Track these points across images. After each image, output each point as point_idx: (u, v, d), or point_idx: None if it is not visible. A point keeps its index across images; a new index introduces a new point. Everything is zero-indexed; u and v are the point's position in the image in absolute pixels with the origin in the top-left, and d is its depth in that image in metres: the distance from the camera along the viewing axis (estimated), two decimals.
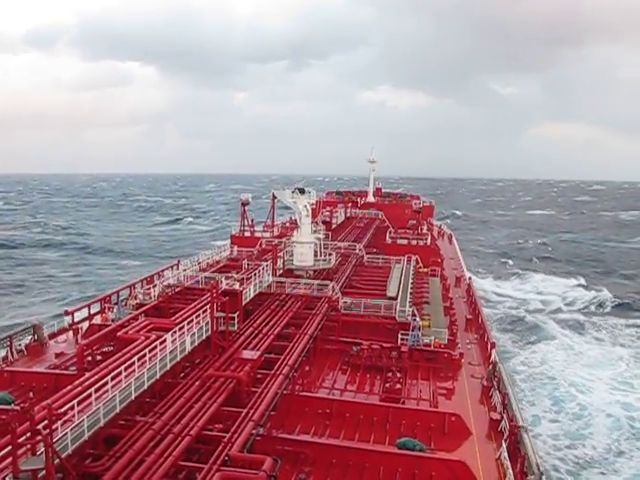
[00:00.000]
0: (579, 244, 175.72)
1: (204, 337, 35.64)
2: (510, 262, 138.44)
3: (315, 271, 56.19)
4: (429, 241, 76.92)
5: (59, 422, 22.39)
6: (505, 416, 32.39)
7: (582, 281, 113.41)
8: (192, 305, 39.73)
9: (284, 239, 67.05)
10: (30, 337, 42.53)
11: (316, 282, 49.62)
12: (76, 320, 47.32)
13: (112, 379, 26.83)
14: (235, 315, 38.46)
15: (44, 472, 19.92)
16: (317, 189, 65.88)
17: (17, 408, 21.75)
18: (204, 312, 36.59)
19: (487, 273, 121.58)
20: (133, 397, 27.35)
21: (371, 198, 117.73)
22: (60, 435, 22.15)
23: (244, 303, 41.83)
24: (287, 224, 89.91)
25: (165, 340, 31.76)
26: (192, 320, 35.25)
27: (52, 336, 44.72)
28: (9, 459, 20.05)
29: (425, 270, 66.23)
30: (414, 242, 75.28)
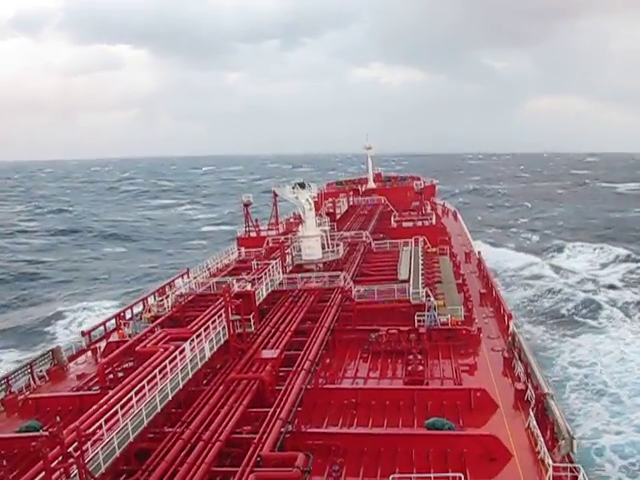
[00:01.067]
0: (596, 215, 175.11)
1: (222, 342, 35.76)
2: (535, 237, 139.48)
3: (325, 263, 56.18)
4: (434, 220, 76.67)
5: (89, 443, 22.53)
6: (530, 385, 32.38)
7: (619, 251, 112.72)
8: (207, 311, 39.84)
9: (290, 235, 67.08)
10: (50, 362, 42.70)
11: (327, 274, 49.63)
12: (93, 339, 47.48)
13: (136, 394, 26.97)
14: (250, 316, 38.53)
15: None
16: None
17: (46, 434, 21.90)
18: (219, 317, 36.69)
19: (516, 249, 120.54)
20: (159, 409, 27.49)
21: (372, 184, 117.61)
22: (91, 455, 22.32)
23: (258, 303, 41.87)
24: (291, 220, 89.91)
25: (184, 349, 31.85)
26: (208, 326, 35.35)
27: (71, 358, 44.85)
28: None
29: (434, 250, 66.13)
30: (419, 223, 75.00)
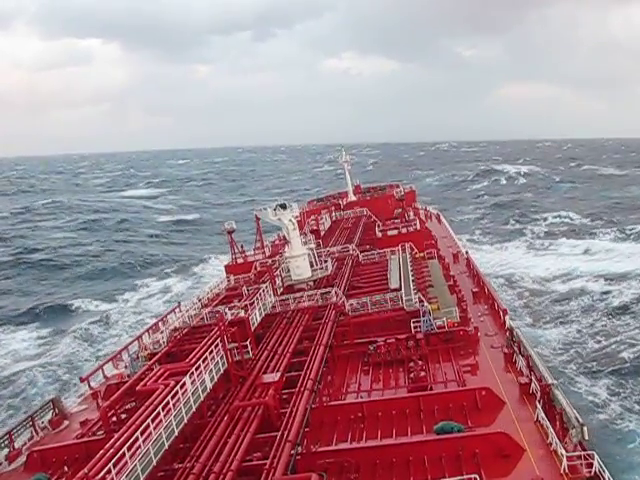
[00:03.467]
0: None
1: (222, 371, 35.52)
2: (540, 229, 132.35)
3: (315, 281, 56.10)
4: (418, 226, 76.92)
5: None
6: (533, 378, 32.44)
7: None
8: (203, 343, 39.53)
9: (277, 257, 66.95)
10: (51, 412, 42.25)
11: (318, 291, 49.55)
12: (92, 385, 47.06)
13: (142, 434, 26.68)
14: (247, 342, 38.34)
15: None
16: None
17: None
18: (216, 347, 36.45)
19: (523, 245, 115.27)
20: (167, 446, 27.22)
21: (352, 197, 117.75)
22: None
23: (253, 329, 41.68)
24: (277, 241, 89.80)
25: (185, 383, 31.60)
26: (206, 357, 35.10)
27: (72, 406, 44.44)
28: None
29: (421, 255, 66.30)
30: (404, 230, 75.21)
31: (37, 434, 39.56)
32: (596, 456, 24.37)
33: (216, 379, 34.52)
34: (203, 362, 34.37)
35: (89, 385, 46.92)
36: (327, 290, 49.49)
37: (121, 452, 25.22)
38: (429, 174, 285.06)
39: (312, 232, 74.94)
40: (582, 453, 24.96)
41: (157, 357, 42.68)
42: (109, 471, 23.66)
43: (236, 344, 37.11)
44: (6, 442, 37.33)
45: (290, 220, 56.63)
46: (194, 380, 32.45)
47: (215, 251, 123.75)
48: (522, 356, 35.68)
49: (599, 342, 61.51)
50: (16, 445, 37.60)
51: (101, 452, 26.25)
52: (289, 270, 57.13)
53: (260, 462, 26.77)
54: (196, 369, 33.36)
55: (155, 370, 36.80)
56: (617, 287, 78.46)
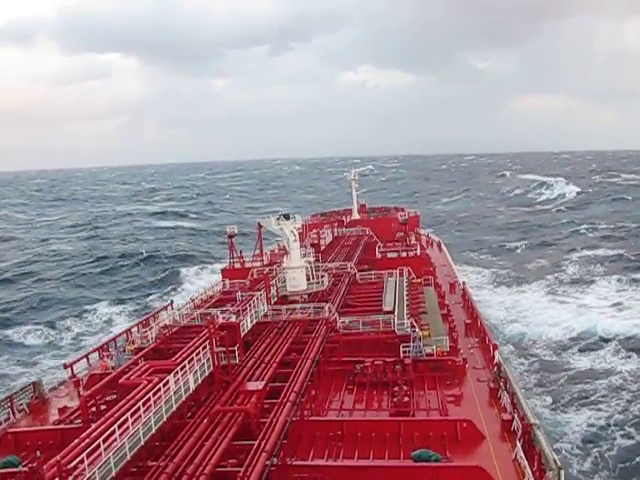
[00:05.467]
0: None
1: (207, 374, 35.44)
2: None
3: (309, 294, 56.01)
4: (419, 251, 76.86)
5: (70, 478, 22.12)
6: (516, 415, 32.29)
7: None
8: (191, 343, 39.48)
9: (275, 266, 66.94)
10: (31, 395, 42.06)
11: (312, 305, 49.48)
12: (75, 372, 46.90)
13: (119, 427, 26.58)
14: (235, 348, 38.23)
15: None
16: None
17: (25, 469, 21.48)
18: (204, 349, 36.39)
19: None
20: (142, 442, 27.10)
21: (356, 215, 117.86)
22: None
23: (243, 335, 41.59)
24: (276, 251, 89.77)
25: (168, 382, 31.51)
26: (193, 358, 35.04)
27: (53, 391, 44.27)
28: None
29: (418, 280, 66.18)
30: (404, 254, 75.15)
31: (14, 416, 39.34)
32: None
33: (200, 381, 34.43)
34: (189, 362, 34.30)
35: (72, 372, 46.75)
36: (320, 305, 49.43)
37: (96, 443, 25.10)
38: (466, 191, 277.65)
39: (312, 245, 74.90)
40: None
41: (143, 352, 42.65)
42: (82, 461, 23.53)
43: (224, 348, 37.02)
44: None
45: (292, 231, 56.68)
46: (178, 379, 32.36)
47: None
48: (507, 392, 35.54)
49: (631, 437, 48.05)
50: None
51: (76, 441, 26.13)
52: (285, 281, 57.11)
53: (234, 469, 26.64)
54: (181, 368, 33.30)
55: (140, 365, 36.77)
56: None
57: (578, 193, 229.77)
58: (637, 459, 44.71)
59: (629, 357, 63.28)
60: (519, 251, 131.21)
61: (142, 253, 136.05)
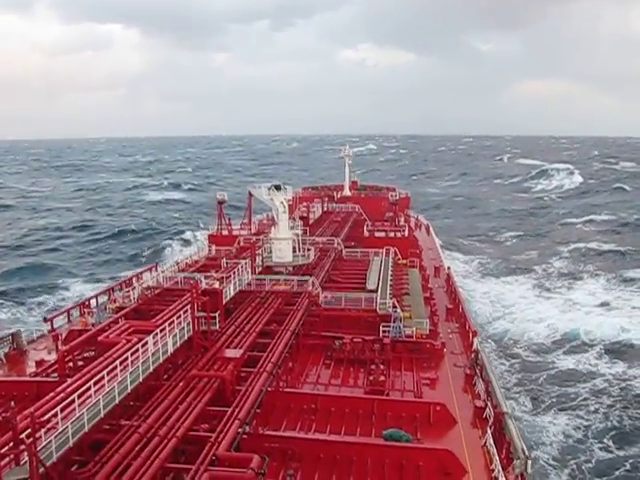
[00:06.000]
0: None
1: (186, 338, 35.49)
2: None
3: (294, 267, 56.07)
4: (407, 233, 76.92)
5: (42, 430, 22.16)
6: (489, 403, 32.66)
7: None
8: (172, 306, 39.51)
9: (262, 236, 66.89)
10: (9, 346, 42.03)
11: (296, 278, 49.58)
12: (55, 327, 46.87)
13: (95, 384, 26.64)
14: (216, 314, 38.27)
15: None
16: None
17: None
18: (185, 313, 36.41)
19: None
20: (117, 401, 27.17)
21: (347, 192, 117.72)
22: (44, 443, 21.94)
23: (225, 302, 41.64)
24: (264, 221, 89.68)
25: (147, 343, 31.54)
26: (173, 321, 35.06)
27: (31, 343, 44.25)
28: None
29: (404, 262, 66.34)
30: (392, 234, 75.22)
31: None
32: None
33: (179, 344, 34.48)
34: (169, 325, 34.35)
35: (52, 326, 46.72)
36: (304, 278, 49.54)
37: (71, 398, 25.14)
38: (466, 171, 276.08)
39: (301, 218, 74.95)
40: None
41: (124, 311, 42.68)
42: (56, 414, 23.58)
43: (205, 314, 37.04)
44: None
45: (282, 202, 56.55)
46: (157, 341, 32.45)
47: None
48: (482, 380, 35.91)
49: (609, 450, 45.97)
50: None
51: (51, 394, 26.16)
52: (271, 251, 57.09)
53: (206, 434, 26.79)
54: (161, 331, 33.39)
55: (120, 324, 36.76)
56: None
57: (576, 180, 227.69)
58: (616, 473, 43.18)
59: (614, 362, 61.20)
60: (511, 240, 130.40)
61: (133, 228, 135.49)
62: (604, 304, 79.73)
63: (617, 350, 63.82)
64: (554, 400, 53.56)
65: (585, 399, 53.46)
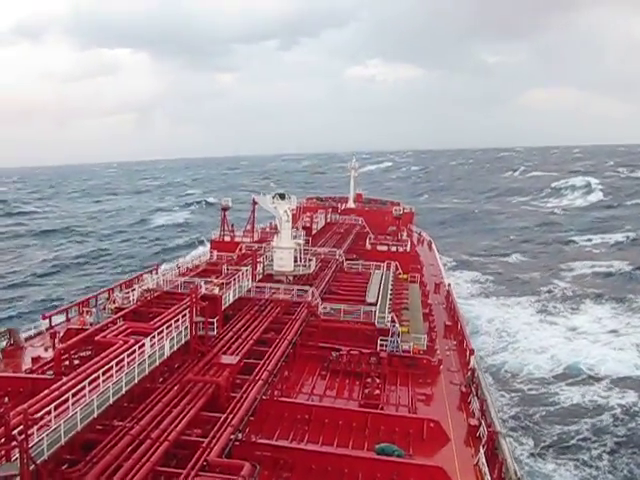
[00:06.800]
0: None
1: (183, 342, 35.48)
2: None
3: (295, 276, 56.11)
4: (409, 247, 76.93)
5: (35, 427, 22.16)
6: (483, 422, 32.55)
7: None
8: (171, 309, 39.55)
9: (264, 244, 66.95)
10: (6, 341, 42.04)
11: (296, 287, 49.55)
12: (53, 324, 46.90)
13: (90, 384, 26.65)
14: (214, 320, 38.28)
15: (19, 478, 19.71)
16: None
17: None
18: (183, 317, 36.41)
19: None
20: (111, 402, 27.18)
21: (351, 204, 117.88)
22: (36, 440, 21.94)
23: (223, 308, 41.67)
24: (267, 229, 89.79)
25: (144, 344, 31.56)
26: (171, 324, 35.09)
27: (29, 340, 44.26)
28: None
29: (404, 276, 66.30)
30: (394, 248, 75.22)
31: None
32: None
33: (175, 348, 34.48)
34: (167, 328, 34.36)
35: (50, 324, 46.75)
36: (304, 288, 49.50)
37: (65, 397, 25.15)
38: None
39: (304, 228, 74.94)
40: None
41: (123, 312, 42.70)
42: (49, 412, 23.59)
43: (203, 319, 37.07)
44: None
45: (285, 211, 56.66)
46: (154, 344, 32.41)
47: None
48: (478, 398, 35.80)
49: None
50: None
51: (46, 391, 26.18)
52: (272, 260, 57.15)
53: (198, 439, 26.77)
54: (158, 333, 33.38)
55: (118, 325, 36.84)
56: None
57: (590, 193, 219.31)
58: None
59: (623, 394, 56.56)
60: (519, 258, 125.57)
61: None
62: (613, 331, 74.25)
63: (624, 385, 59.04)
64: (555, 438, 50.02)
65: (587, 439, 49.74)
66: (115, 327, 36.01)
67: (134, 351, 30.57)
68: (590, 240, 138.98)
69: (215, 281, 46.83)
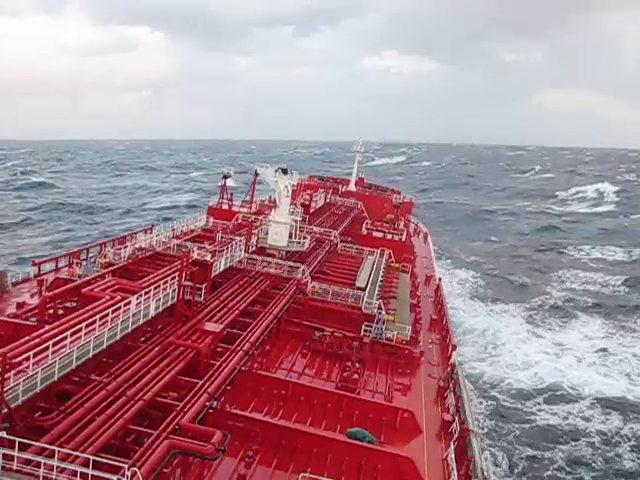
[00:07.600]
0: None
1: (169, 304, 35.43)
2: None
3: (288, 252, 56.10)
4: (404, 237, 76.91)
5: (12, 372, 22.18)
6: (457, 418, 32.73)
7: None
8: (161, 271, 39.47)
9: (261, 216, 66.83)
10: None
11: (287, 263, 49.56)
12: (42, 272, 46.83)
13: (71, 335, 26.61)
14: (203, 286, 38.29)
15: None
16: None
17: None
18: (172, 279, 36.37)
19: None
20: (91, 355, 27.18)
21: (352, 187, 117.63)
22: (11, 385, 21.95)
23: (213, 275, 41.61)
24: (266, 202, 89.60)
25: (129, 302, 31.53)
26: (159, 285, 35.04)
27: (16, 285, 44.21)
28: None
29: (396, 265, 66.33)
30: (389, 236, 75.15)
31: None
32: None
33: (161, 309, 34.44)
34: (155, 288, 34.32)
35: (39, 271, 46.69)
36: (296, 265, 49.51)
37: (45, 345, 25.13)
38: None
39: (302, 205, 74.77)
40: None
41: (113, 268, 42.58)
42: (28, 358, 23.59)
43: (192, 284, 37.05)
44: None
45: (286, 186, 56.53)
46: (140, 302, 32.37)
47: None
48: (454, 394, 35.97)
49: None
50: None
51: (27, 337, 26.15)
52: (267, 233, 57.05)
53: (173, 402, 26.85)
54: (145, 293, 33.34)
55: (107, 280, 36.72)
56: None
57: (601, 200, 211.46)
58: None
59: (605, 419, 54.76)
60: (518, 262, 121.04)
61: None
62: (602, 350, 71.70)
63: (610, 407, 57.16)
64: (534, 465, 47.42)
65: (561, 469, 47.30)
66: (103, 282, 35.90)
67: (119, 307, 30.53)
68: (593, 250, 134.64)
69: (208, 247, 46.79)
